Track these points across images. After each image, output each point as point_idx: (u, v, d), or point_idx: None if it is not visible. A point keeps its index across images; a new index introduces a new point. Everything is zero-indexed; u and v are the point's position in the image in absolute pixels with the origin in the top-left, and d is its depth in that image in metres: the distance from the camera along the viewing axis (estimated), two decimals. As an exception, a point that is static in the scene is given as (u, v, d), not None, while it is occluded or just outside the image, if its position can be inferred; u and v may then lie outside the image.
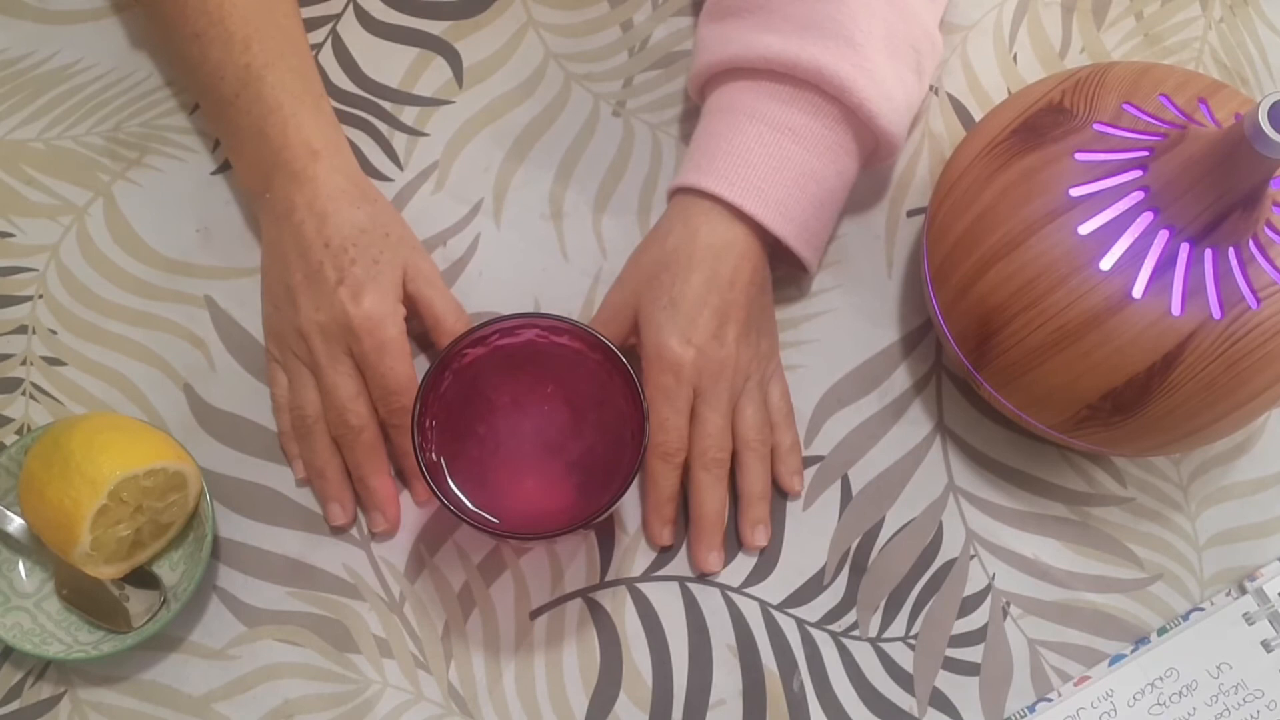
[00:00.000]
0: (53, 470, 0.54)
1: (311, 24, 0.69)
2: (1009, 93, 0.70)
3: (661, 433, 0.58)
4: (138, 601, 0.58)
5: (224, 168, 0.67)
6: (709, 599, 0.61)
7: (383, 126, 0.68)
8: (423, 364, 0.63)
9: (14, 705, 0.59)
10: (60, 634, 0.58)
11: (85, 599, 0.58)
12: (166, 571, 0.60)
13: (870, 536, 0.62)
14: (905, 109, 0.62)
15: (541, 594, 0.61)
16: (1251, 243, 0.53)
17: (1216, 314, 0.53)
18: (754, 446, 0.60)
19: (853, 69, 0.58)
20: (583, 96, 0.69)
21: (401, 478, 0.61)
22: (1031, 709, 0.60)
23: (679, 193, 0.62)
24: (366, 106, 0.68)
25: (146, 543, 0.57)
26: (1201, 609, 0.62)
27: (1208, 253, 0.53)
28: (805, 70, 0.59)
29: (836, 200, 0.62)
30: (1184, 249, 0.53)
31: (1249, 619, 0.61)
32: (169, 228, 0.66)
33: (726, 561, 0.61)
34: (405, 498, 0.62)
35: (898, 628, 0.61)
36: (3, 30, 0.69)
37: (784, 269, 0.65)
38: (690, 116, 0.68)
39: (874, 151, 0.63)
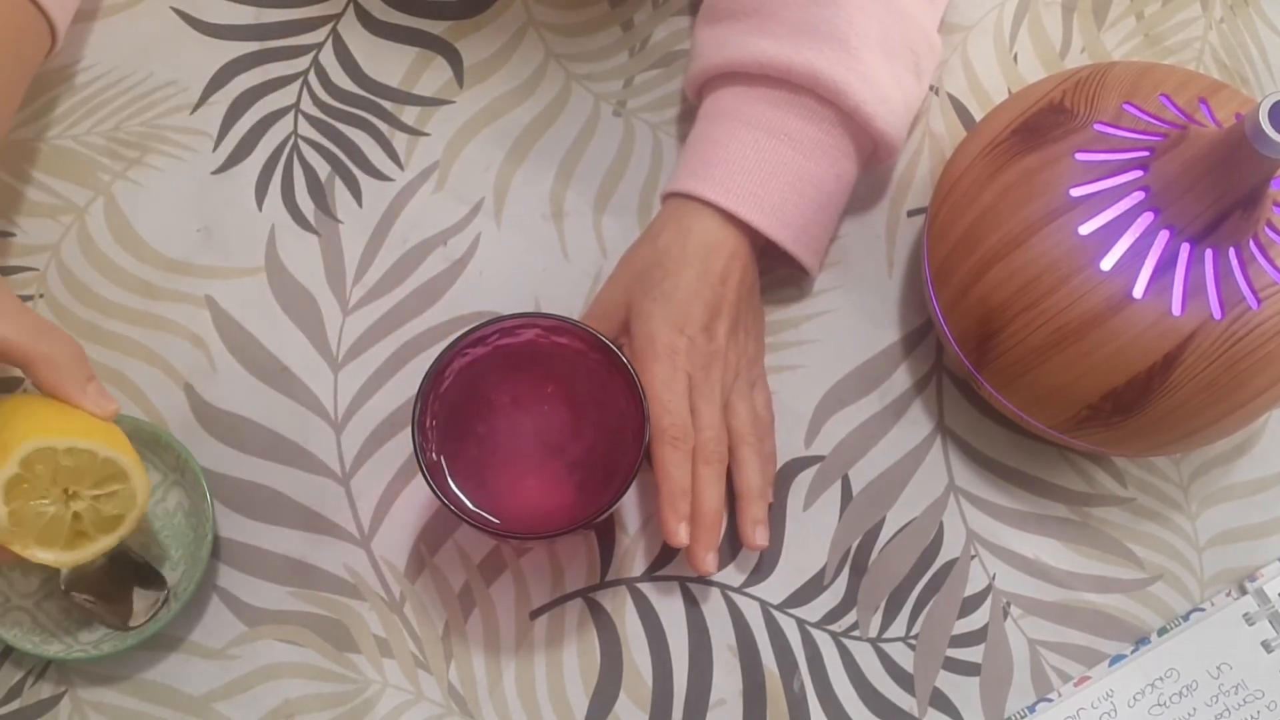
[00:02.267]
0: None
1: (312, 24, 0.69)
2: (1009, 93, 0.70)
3: (666, 415, 0.57)
4: (138, 601, 0.58)
5: (225, 167, 0.67)
6: (709, 599, 0.61)
7: (383, 126, 0.68)
8: (423, 363, 0.63)
9: (14, 705, 0.59)
10: (60, 634, 0.58)
11: (92, 588, 0.58)
12: (166, 571, 0.60)
13: (870, 536, 0.62)
14: (903, 110, 0.62)
15: (541, 594, 0.61)
16: (1252, 243, 0.53)
17: (1217, 314, 0.53)
18: (749, 441, 0.60)
19: (847, 72, 0.58)
20: (583, 96, 0.69)
21: None
22: (1031, 709, 0.60)
23: (673, 196, 0.62)
24: (367, 106, 0.68)
25: (92, 534, 0.53)
26: (1201, 609, 0.62)
27: (1208, 253, 0.53)
28: (800, 75, 0.59)
29: (836, 203, 0.62)
30: (1184, 249, 0.53)
31: (1249, 619, 0.61)
32: (169, 227, 0.66)
33: (725, 562, 0.61)
34: (407, 494, 0.62)
35: (898, 628, 0.61)
36: (3, 30, 0.69)
37: (784, 270, 0.65)
38: (690, 116, 0.68)
39: (873, 153, 0.63)
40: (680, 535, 0.57)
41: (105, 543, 0.54)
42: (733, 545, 0.62)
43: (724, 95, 0.62)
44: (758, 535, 0.60)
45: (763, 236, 0.61)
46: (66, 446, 0.51)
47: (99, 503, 0.53)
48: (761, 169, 0.60)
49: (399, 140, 0.67)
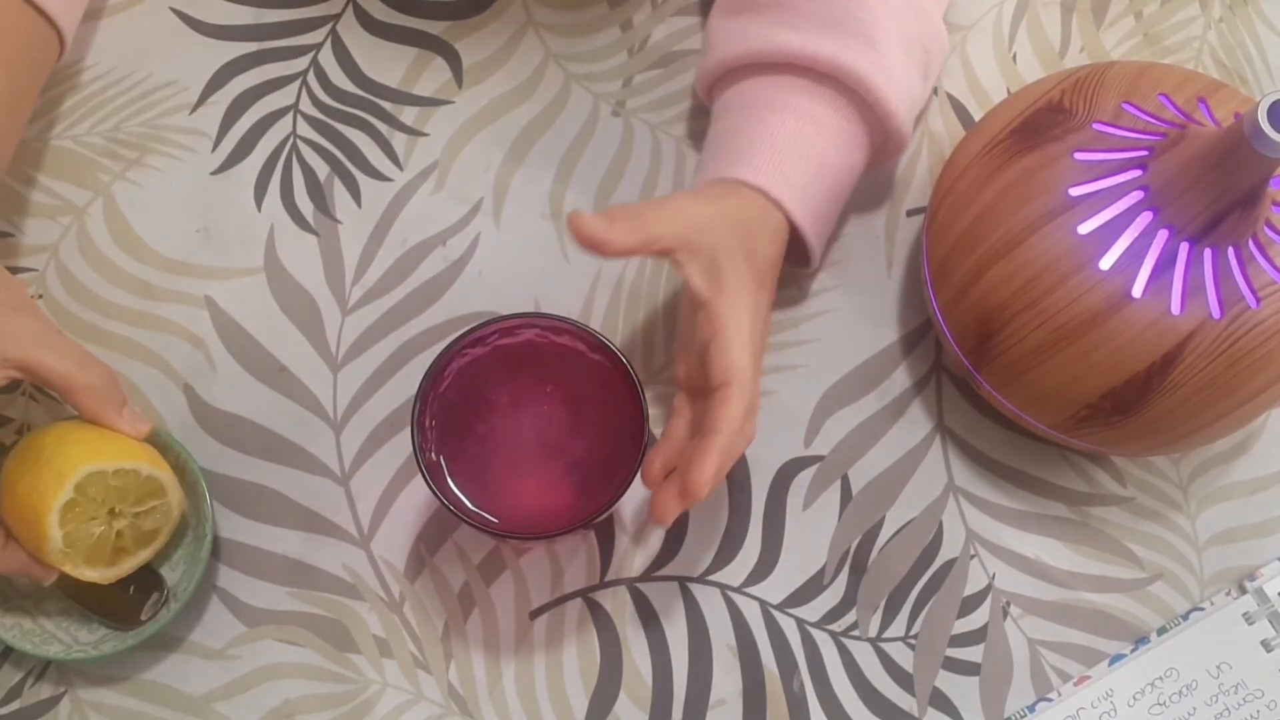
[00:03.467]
0: (24, 467, 0.54)
1: (311, 24, 0.69)
2: (1009, 92, 0.70)
3: (752, 367, 0.53)
4: (138, 601, 0.58)
5: (224, 168, 0.67)
6: (709, 599, 0.61)
7: (382, 126, 0.68)
8: (423, 363, 0.63)
9: (14, 705, 0.59)
10: (60, 634, 0.58)
11: (89, 594, 0.58)
12: (166, 571, 0.60)
13: (870, 536, 0.62)
14: (912, 109, 0.62)
15: (541, 594, 0.61)
16: (1251, 242, 0.53)
17: (1216, 313, 0.53)
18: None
19: (871, 65, 0.58)
20: (582, 96, 0.69)
21: None
22: (1031, 709, 0.60)
23: (730, 182, 0.59)
24: (366, 106, 0.68)
25: (131, 549, 0.56)
26: (1201, 609, 0.62)
27: (1207, 252, 0.53)
28: (825, 65, 0.59)
29: (845, 195, 0.62)
30: (1183, 248, 0.53)
31: (1249, 619, 0.61)
32: (169, 228, 0.66)
33: (727, 562, 0.61)
34: (407, 494, 0.62)
35: (898, 628, 0.61)
36: (3, 30, 0.69)
37: (784, 269, 0.65)
38: (691, 116, 0.68)
39: (881, 149, 0.63)
40: (706, 489, 0.51)
41: (142, 556, 0.57)
42: (734, 545, 0.62)
43: (746, 87, 0.61)
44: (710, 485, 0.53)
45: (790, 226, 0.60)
46: (115, 468, 0.54)
47: (139, 519, 0.56)
48: (792, 150, 0.59)
49: (398, 140, 0.67)
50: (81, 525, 0.54)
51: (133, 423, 0.57)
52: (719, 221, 0.55)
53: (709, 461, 0.51)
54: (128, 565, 0.56)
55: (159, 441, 0.59)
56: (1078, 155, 0.55)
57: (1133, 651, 0.61)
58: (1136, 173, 0.54)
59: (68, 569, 0.54)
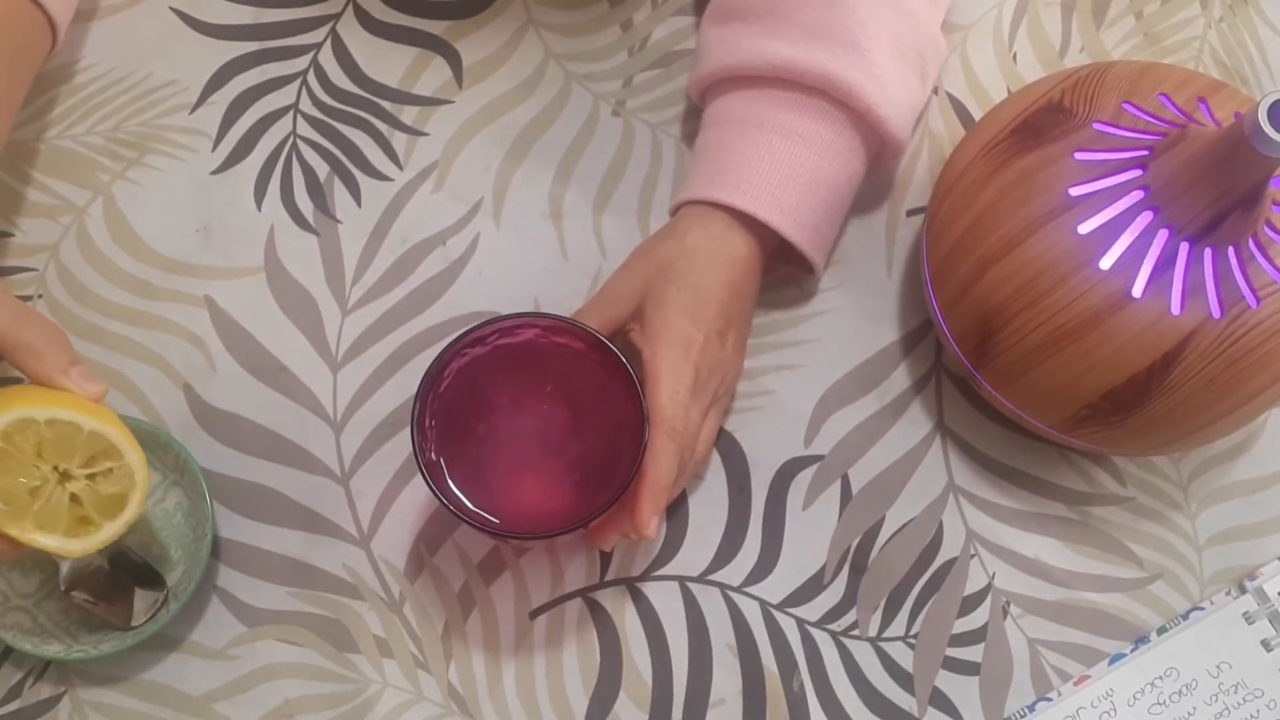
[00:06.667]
0: None
1: (311, 24, 0.69)
2: (1009, 92, 0.70)
3: (671, 405, 0.55)
4: (138, 601, 0.58)
5: (224, 167, 0.67)
6: (709, 599, 0.61)
7: (382, 126, 0.68)
8: (422, 363, 0.63)
9: (14, 705, 0.59)
10: (60, 634, 0.58)
11: (89, 593, 0.58)
12: (166, 571, 0.60)
13: (870, 536, 0.62)
14: (910, 114, 0.62)
15: (541, 594, 0.61)
16: (1251, 242, 0.53)
17: (1216, 313, 0.53)
18: (697, 455, 0.59)
19: (860, 75, 0.58)
20: (583, 96, 0.69)
21: None
22: (1031, 708, 0.60)
23: (693, 204, 0.61)
24: (366, 106, 0.68)
25: (95, 519, 0.52)
26: (1201, 608, 0.62)
27: (1207, 252, 0.53)
28: (813, 77, 0.59)
29: (845, 203, 0.62)
30: (1184, 248, 0.53)
31: (1249, 618, 0.61)
32: (169, 228, 0.66)
33: (726, 562, 0.61)
34: (407, 494, 0.62)
35: (898, 627, 0.61)
36: (2, 30, 0.69)
37: (785, 270, 0.65)
38: (690, 116, 0.68)
39: (879, 154, 0.63)
40: (650, 527, 0.54)
41: (111, 529, 0.52)
42: (734, 544, 0.62)
43: (733, 100, 0.62)
44: (653, 524, 0.56)
45: (772, 243, 0.60)
46: (47, 417, 0.50)
47: (96, 483, 0.52)
48: (778, 170, 0.59)
49: (398, 140, 0.67)
50: (16, 480, 0.49)
51: (81, 382, 0.52)
52: (648, 276, 0.59)
53: (639, 505, 0.54)
54: (95, 539, 0.52)
55: (158, 441, 0.60)
56: (1078, 155, 0.55)
57: (1133, 651, 0.61)
58: (1137, 173, 0.54)
59: (13, 532, 0.49)
